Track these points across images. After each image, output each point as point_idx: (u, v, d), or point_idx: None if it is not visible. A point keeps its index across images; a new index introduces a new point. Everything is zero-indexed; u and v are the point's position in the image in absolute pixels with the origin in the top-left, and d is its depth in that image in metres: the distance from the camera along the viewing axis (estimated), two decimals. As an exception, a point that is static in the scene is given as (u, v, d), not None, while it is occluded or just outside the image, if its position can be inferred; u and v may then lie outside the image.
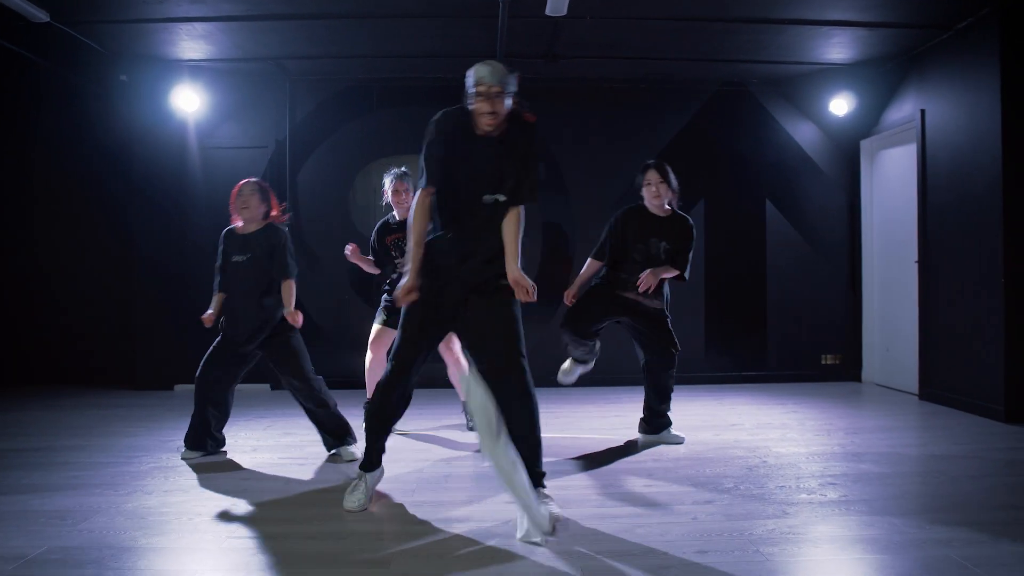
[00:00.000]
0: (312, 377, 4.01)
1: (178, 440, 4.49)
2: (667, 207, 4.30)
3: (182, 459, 4.04)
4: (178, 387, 6.53)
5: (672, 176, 4.28)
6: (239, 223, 4.11)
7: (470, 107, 3.03)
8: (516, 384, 3.01)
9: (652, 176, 4.24)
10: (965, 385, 5.34)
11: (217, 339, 4.10)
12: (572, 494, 3.33)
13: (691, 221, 4.33)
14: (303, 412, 4.10)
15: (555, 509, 2.92)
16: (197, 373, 4.07)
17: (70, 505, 3.20)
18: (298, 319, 3.98)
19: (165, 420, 5.17)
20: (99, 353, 6.97)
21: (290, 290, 4.02)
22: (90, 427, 4.94)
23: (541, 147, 3.17)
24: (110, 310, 6.93)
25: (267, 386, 6.54)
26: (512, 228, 3.08)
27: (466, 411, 4.84)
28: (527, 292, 2.98)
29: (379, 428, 3.21)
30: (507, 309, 3.08)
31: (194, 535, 2.85)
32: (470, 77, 3.01)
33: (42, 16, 4.84)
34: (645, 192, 4.27)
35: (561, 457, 4.06)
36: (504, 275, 3.06)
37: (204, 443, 4.11)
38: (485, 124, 3.01)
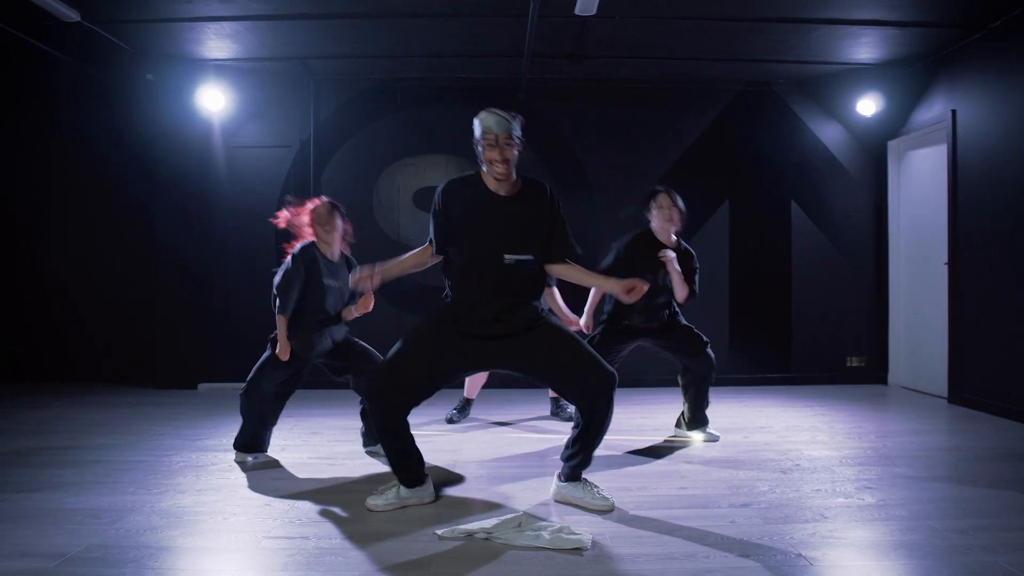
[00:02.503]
0: None
1: (206, 438, 4.53)
2: (673, 237, 4.33)
3: (235, 461, 3.98)
4: (202, 386, 6.55)
5: (680, 202, 4.31)
6: (320, 244, 3.92)
7: (480, 152, 3.07)
8: (596, 372, 3.06)
9: (664, 200, 4.25)
10: (997, 389, 5.27)
11: (267, 354, 3.88)
12: (609, 496, 3.29)
13: (693, 251, 4.41)
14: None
15: (606, 494, 3.20)
16: (247, 389, 3.87)
17: (105, 503, 3.20)
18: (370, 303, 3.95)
19: (191, 418, 5.18)
20: (122, 351, 6.99)
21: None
22: (117, 425, 4.96)
23: (557, 200, 3.23)
24: (133, 308, 6.95)
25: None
26: (576, 274, 3.18)
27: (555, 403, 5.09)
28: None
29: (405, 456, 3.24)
30: (554, 328, 3.16)
31: (230, 535, 2.84)
32: (477, 128, 3.07)
33: (73, 15, 4.86)
34: (658, 215, 4.27)
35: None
36: (539, 318, 3.14)
37: (258, 447, 4.02)
38: (497, 173, 3.02)
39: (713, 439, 4.49)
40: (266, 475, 3.72)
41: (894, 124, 6.59)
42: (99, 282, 7.01)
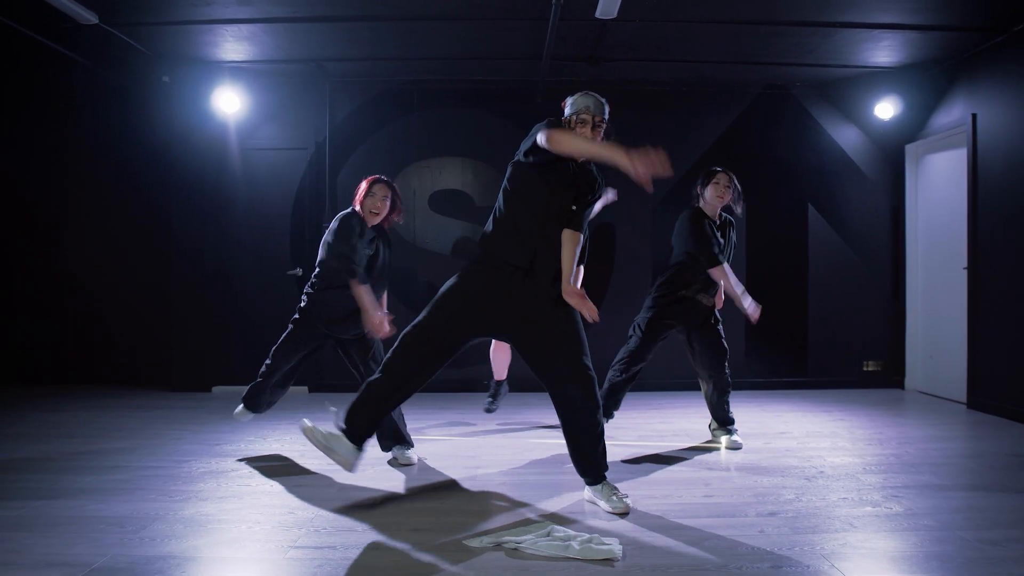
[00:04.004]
0: None
1: (224, 443, 4.52)
2: (719, 212, 4.47)
3: (234, 416, 4.31)
4: (216, 389, 6.54)
5: (737, 183, 4.42)
6: (365, 213, 3.98)
7: (569, 124, 3.20)
8: (582, 382, 3.15)
9: (723, 179, 4.36)
10: (1017, 394, 5.22)
11: (293, 324, 4.10)
12: (633, 504, 3.26)
13: (734, 222, 4.58)
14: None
15: (627, 500, 3.23)
16: (275, 355, 4.14)
17: (127, 511, 3.18)
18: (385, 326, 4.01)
19: (207, 422, 5.16)
20: (136, 354, 7.00)
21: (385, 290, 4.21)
22: (133, 429, 4.94)
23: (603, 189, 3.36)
24: (148, 311, 6.95)
25: (305, 388, 6.53)
26: (569, 252, 3.21)
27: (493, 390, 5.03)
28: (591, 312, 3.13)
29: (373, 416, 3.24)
30: (570, 314, 3.21)
31: (256, 545, 2.81)
32: (573, 106, 3.22)
33: (91, 18, 4.86)
34: (712, 190, 4.36)
35: (613, 465, 4.00)
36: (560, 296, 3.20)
37: (261, 407, 4.33)
38: None
39: (736, 447, 4.46)
40: (288, 482, 3.69)
41: (912, 128, 6.55)
42: (114, 284, 7.01)
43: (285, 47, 5.80)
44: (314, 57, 6.05)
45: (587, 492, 3.36)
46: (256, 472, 3.87)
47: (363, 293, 3.80)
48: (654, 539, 2.88)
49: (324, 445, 3.13)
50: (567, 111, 3.22)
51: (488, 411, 5.01)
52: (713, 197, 4.37)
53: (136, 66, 6.26)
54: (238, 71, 6.33)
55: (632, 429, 5.03)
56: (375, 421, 3.23)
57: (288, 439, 4.65)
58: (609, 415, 4.44)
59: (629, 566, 2.61)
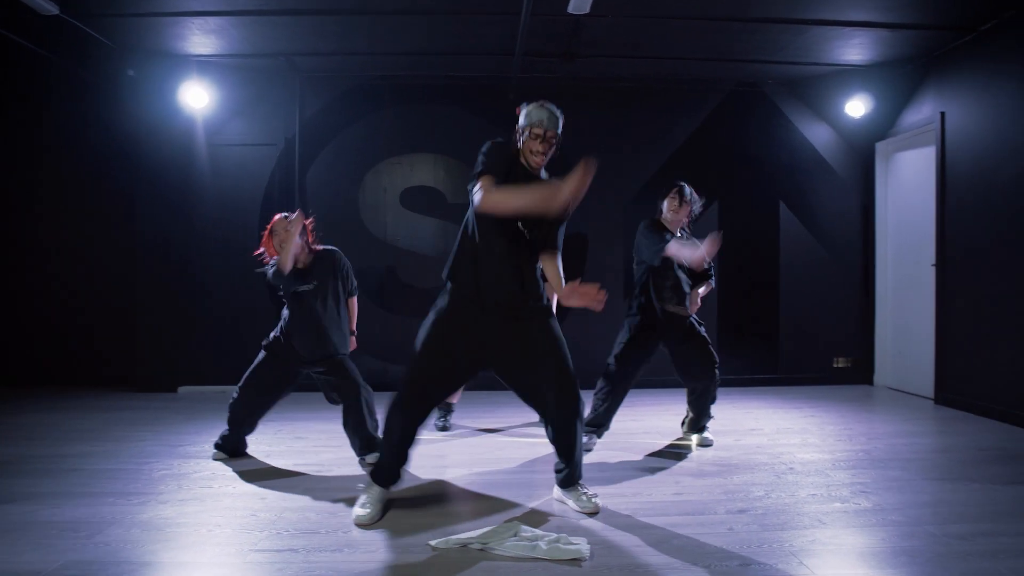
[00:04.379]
0: (366, 395, 3.93)
1: (188, 445, 4.43)
2: (681, 230, 4.38)
3: (213, 459, 4.07)
4: (183, 389, 6.42)
5: (696, 202, 4.35)
6: (283, 261, 3.82)
7: (520, 144, 3.13)
8: (565, 389, 3.11)
9: (677, 196, 4.28)
10: (984, 390, 5.27)
11: (261, 358, 3.98)
12: (602, 503, 3.24)
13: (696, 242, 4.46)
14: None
15: (597, 500, 3.22)
16: (238, 395, 3.97)
17: (83, 516, 3.09)
18: (353, 343, 4.16)
19: (172, 424, 5.05)
20: (100, 353, 6.85)
21: (354, 306, 4.23)
22: (95, 431, 4.82)
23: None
24: (113, 310, 6.81)
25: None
26: (552, 268, 3.19)
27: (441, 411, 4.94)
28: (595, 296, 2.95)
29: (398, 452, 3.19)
30: (550, 329, 3.16)
31: (215, 548, 2.74)
32: (527, 117, 3.12)
33: (52, 8, 4.73)
34: (667, 205, 4.29)
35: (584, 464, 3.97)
36: (539, 299, 3.15)
37: (237, 451, 4.15)
38: (534, 163, 3.12)
39: (707, 444, 4.44)
40: (251, 484, 3.62)
41: (883, 126, 6.59)
42: (78, 282, 6.86)
43: (253, 41, 5.70)
44: (283, 51, 5.95)
45: (556, 492, 3.33)
46: (219, 474, 3.79)
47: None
48: (623, 538, 2.85)
49: (381, 507, 3.15)
50: (521, 121, 3.13)
51: (442, 429, 4.90)
52: (668, 210, 4.29)
53: (100, 59, 6.10)
54: (205, 65, 6.20)
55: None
56: (401, 466, 3.23)
57: (254, 439, 4.55)
58: (600, 434, 4.39)
59: (597, 566, 2.57)
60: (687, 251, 4.14)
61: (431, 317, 3.14)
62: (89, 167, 6.81)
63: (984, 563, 2.60)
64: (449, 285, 3.15)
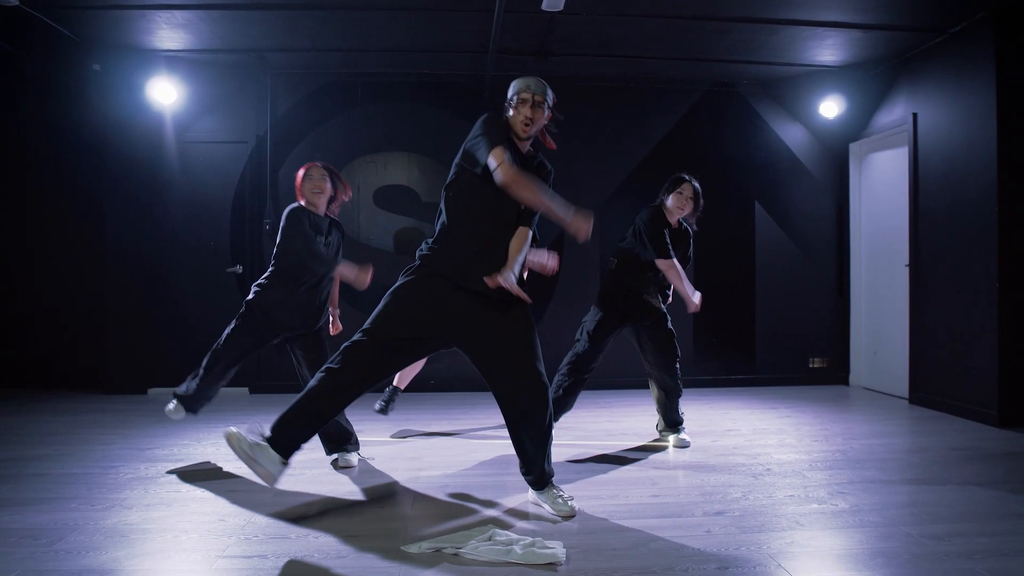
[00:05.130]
0: None
1: (156, 448, 4.32)
2: (680, 221, 4.45)
3: (166, 413, 4.03)
4: (152, 391, 6.29)
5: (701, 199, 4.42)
6: (309, 205, 3.87)
7: (508, 114, 3.11)
8: (534, 390, 3.05)
9: (688, 190, 4.33)
10: (957, 389, 5.32)
11: (241, 318, 3.90)
12: (578, 506, 3.19)
13: (691, 233, 4.55)
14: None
15: (573, 503, 3.16)
16: (218, 348, 3.93)
17: (43, 522, 2.98)
18: (339, 325, 4.18)
19: (140, 426, 4.94)
20: (68, 354, 6.68)
21: (337, 286, 4.13)
22: (60, 434, 4.69)
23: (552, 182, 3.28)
24: (80, 310, 6.64)
25: (245, 390, 6.32)
26: (518, 244, 3.08)
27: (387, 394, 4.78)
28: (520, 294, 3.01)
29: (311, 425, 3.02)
30: (527, 321, 3.11)
31: (181, 555, 2.65)
32: (515, 85, 3.12)
33: (11, 0, 4.59)
34: (674, 200, 4.32)
35: (558, 466, 3.93)
36: (521, 291, 3.07)
37: (198, 407, 4.09)
38: (521, 130, 3.08)
39: (684, 445, 4.42)
40: (221, 487, 3.53)
41: (856, 127, 6.64)
42: (44, 282, 6.68)
43: (223, 36, 5.59)
44: (254, 47, 5.84)
45: (531, 495, 3.28)
46: (187, 478, 3.69)
47: (342, 270, 3.89)
48: (599, 541, 2.80)
49: (248, 455, 2.87)
50: (508, 95, 3.12)
51: (382, 412, 4.74)
52: (674, 206, 4.32)
53: (64, 53, 5.96)
54: (174, 60, 6.08)
55: (579, 428, 4.97)
56: (307, 433, 2.98)
57: (224, 442, 4.45)
58: (556, 418, 4.35)
59: (572, 570, 2.52)
60: (680, 283, 4.24)
61: (400, 283, 3.06)
62: (55, 165, 6.64)
63: (961, 563, 2.59)
64: (421, 261, 3.07)
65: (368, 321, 3.02)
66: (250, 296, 3.90)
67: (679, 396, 4.45)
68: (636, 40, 5.71)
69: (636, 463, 4.04)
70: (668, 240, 4.24)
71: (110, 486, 3.53)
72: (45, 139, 6.62)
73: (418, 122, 6.52)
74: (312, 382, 3.00)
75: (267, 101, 6.39)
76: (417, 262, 3.10)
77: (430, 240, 3.11)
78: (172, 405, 4.05)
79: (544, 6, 4.65)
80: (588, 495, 3.39)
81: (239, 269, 6.32)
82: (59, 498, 3.32)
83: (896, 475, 3.77)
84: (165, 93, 6.02)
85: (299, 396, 2.98)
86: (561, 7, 4.65)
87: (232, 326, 3.94)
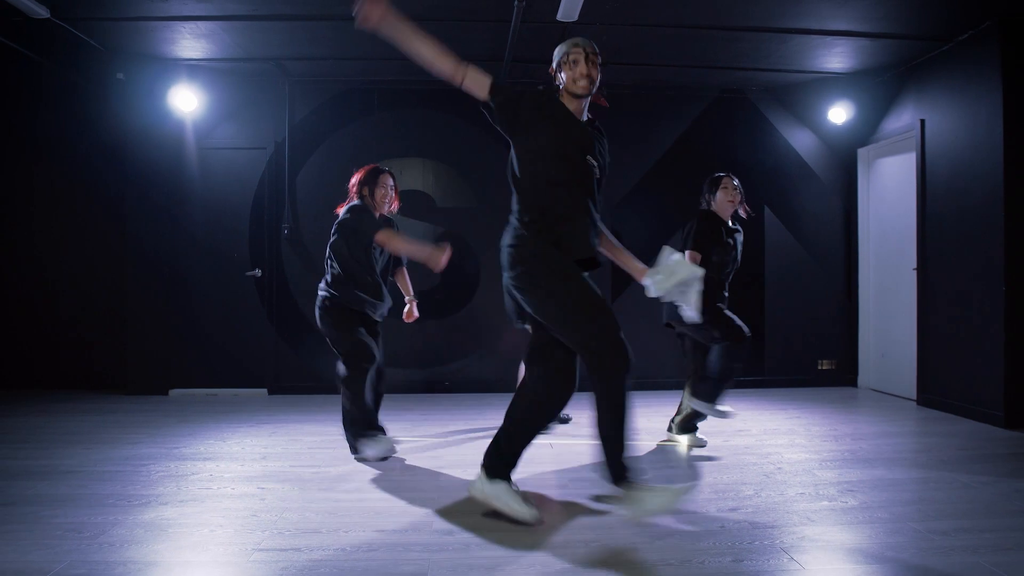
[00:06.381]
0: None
1: (183, 447, 4.44)
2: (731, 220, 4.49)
3: (356, 460, 4.12)
4: (173, 392, 6.42)
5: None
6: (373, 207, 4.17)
7: (562, 83, 3.01)
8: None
9: (730, 183, 4.42)
10: (964, 391, 5.41)
11: (358, 331, 4.05)
12: (595, 505, 3.30)
13: (740, 228, 4.59)
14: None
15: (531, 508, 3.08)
16: (359, 367, 3.98)
17: (84, 517, 3.11)
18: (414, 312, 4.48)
19: (164, 426, 5.07)
20: (90, 356, 6.83)
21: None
22: (88, 434, 4.83)
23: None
24: (103, 312, 6.79)
25: (264, 391, 6.44)
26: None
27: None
28: None
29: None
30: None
31: (219, 548, 2.78)
32: (563, 47, 3.02)
33: (42, 12, 4.74)
34: (722, 196, 4.38)
35: (575, 464, 4.04)
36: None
37: (369, 425, 4.17)
38: (581, 88, 2.97)
39: (700, 444, 4.50)
40: (249, 484, 3.65)
41: (864, 132, 6.73)
42: (67, 285, 6.84)
43: (244, 45, 5.73)
44: (273, 56, 5.98)
45: (479, 486, 3.13)
46: (217, 476, 3.82)
47: (399, 244, 4.06)
48: (618, 536, 2.91)
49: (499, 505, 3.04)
50: (555, 62, 3.05)
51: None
52: (724, 201, 4.39)
53: (90, 62, 6.12)
54: (195, 69, 6.22)
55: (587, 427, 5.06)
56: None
57: (249, 441, 4.59)
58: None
59: (592, 563, 2.63)
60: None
61: (554, 271, 2.91)
62: (79, 170, 6.79)
63: (966, 557, 2.69)
64: (527, 240, 2.95)
65: (587, 319, 2.91)
66: (325, 294, 4.11)
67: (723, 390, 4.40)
68: (647, 48, 5.82)
69: (651, 461, 4.14)
70: (711, 241, 4.27)
71: (143, 483, 3.65)
72: (69, 145, 6.78)
73: (433, 129, 6.64)
74: (520, 401, 3.27)
75: (285, 108, 6.53)
76: (521, 246, 2.98)
77: (525, 220, 3.03)
78: (370, 451, 4.08)
79: (559, 16, 4.77)
80: (604, 493, 3.49)
81: (258, 272, 6.45)
82: (95, 494, 3.45)
83: (904, 474, 3.87)
84: (186, 100, 6.17)
85: (509, 420, 3.27)
86: (576, 17, 4.77)
87: (330, 325, 4.05)
